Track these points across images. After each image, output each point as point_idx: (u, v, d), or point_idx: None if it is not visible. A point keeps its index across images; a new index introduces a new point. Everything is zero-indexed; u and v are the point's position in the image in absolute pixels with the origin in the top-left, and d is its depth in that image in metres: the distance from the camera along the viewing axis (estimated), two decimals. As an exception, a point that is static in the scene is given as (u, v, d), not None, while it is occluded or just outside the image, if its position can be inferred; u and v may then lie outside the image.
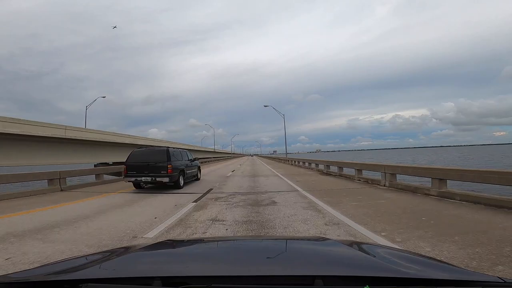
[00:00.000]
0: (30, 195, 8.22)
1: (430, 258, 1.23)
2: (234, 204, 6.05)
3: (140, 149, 9.76)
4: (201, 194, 7.69)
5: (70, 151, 18.84)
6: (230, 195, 7.52)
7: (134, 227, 4.32)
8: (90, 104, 27.85)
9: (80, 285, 0.80)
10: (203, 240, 1.99)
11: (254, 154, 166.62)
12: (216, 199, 6.90)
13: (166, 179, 8.60)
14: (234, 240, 2.04)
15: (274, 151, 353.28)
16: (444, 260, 1.17)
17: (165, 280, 0.81)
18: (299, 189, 8.50)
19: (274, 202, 6.22)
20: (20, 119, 15.06)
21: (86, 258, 1.20)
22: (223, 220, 4.63)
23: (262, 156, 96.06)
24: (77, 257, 1.27)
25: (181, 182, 9.33)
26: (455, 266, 1.10)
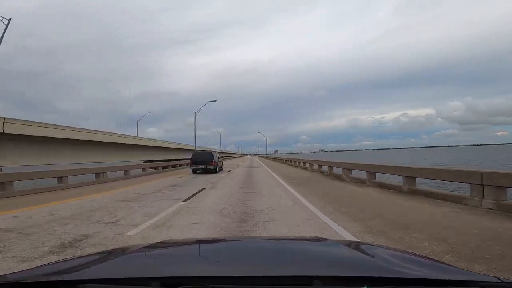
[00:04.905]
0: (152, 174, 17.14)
1: (429, 258, 1.20)
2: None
3: (197, 151, 19.06)
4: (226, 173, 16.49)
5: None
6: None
7: (209, 180, 12.67)
8: (139, 119, 36.45)
9: (78, 286, 0.80)
10: (201, 241, 2.02)
11: (255, 154, 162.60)
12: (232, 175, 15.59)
13: (211, 168, 17.43)
14: (232, 240, 2.02)
15: (275, 151, 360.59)
16: (443, 261, 1.14)
17: (163, 280, 0.81)
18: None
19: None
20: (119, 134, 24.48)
21: (83, 259, 1.20)
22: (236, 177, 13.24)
23: (263, 157, 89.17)
24: (75, 258, 1.27)
25: (217, 169, 18.21)
26: (453, 266, 1.09)
